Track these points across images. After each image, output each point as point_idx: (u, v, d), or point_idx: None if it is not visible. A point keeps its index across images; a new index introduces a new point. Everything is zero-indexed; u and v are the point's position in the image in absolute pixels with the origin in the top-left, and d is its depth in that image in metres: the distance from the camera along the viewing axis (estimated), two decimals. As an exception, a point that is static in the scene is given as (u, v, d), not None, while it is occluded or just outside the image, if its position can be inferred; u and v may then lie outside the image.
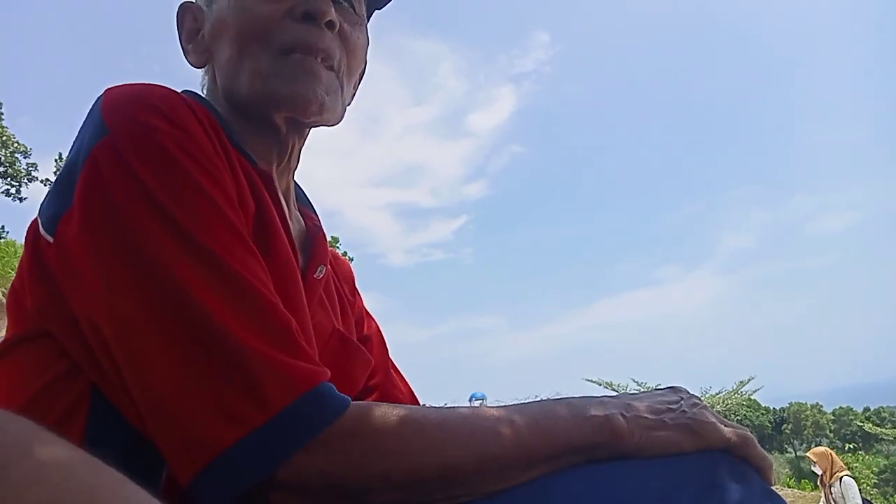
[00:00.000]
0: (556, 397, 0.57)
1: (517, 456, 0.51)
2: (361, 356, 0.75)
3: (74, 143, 0.57)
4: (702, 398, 0.59)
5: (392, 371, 0.86)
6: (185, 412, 0.47)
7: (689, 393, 0.58)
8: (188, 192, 0.52)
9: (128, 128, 0.54)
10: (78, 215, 0.52)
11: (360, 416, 0.49)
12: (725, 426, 0.55)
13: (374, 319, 0.89)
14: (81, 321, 0.52)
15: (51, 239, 0.55)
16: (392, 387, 0.83)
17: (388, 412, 0.51)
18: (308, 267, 0.70)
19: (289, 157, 0.73)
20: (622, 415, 0.53)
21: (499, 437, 0.51)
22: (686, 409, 0.55)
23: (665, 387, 0.60)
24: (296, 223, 0.73)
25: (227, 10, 0.68)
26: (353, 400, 0.51)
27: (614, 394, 0.58)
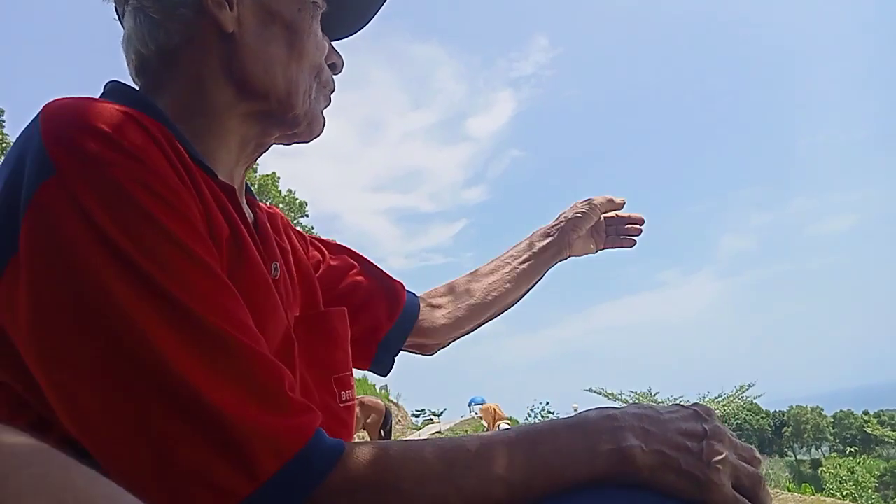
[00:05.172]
0: (569, 417, 0.54)
1: (524, 498, 0.49)
2: (335, 320, 0.74)
3: (11, 164, 0.50)
4: (701, 402, 0.57)
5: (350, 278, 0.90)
6: (167, 485, 0.44)
7: (713, 424, 0.53)
8: (152, 237, 0.47)
9: (77, 164, 0.48)
10: (26, 268, 0.46)
11: (356, 469, 0.48)
12: (737, 475, 0.51)
13: (336, 249, 0.94)
14: (41, 382, 0.47)
15: None
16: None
17: (386, 461, 0.48)
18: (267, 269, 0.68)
19: (257, 157, 0.75)
20: (642, 448, 0.49)
21: (507, 485, 0.49)
22: (704, 458, 0.50)
23: (691, 405, 0.56)
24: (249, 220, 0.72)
25: (292, 13, 0.69)
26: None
27: (630, 406, 0.54)
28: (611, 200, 1.11)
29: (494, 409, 6.28)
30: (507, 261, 1.04)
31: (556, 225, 1.06)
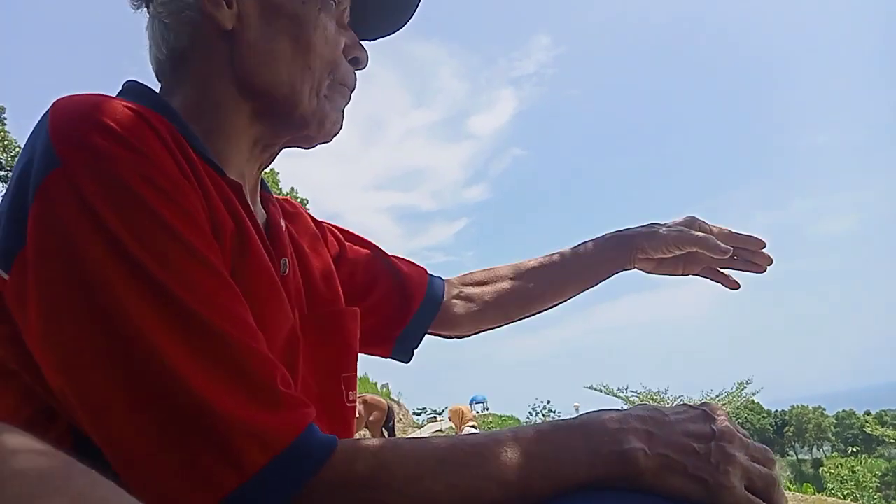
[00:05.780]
0: (572, 418, 0.53)
1: (521, 498, 0.48)
2: (345, 319, 0.74)
3: (22, 161, 0.52)
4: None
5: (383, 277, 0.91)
6: (160, 475, 0.45)
7: (722, 425, 0.51)
8: (152, 230, 0.48)
9: (82, 158, 0.49)
10: (32, 260, 0.47)
11: (348, 465, 0.48)
12: (749, 477, 0.50)
13: (353, 239, 0.93)
14: (46, 373, 0.48)
15: (6, 276, 0.50)
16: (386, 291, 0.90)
17: (380, 457, 0.48)
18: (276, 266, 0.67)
19: (270, 157, 0.74)
20: (645, 451, 0.48)
21: (503, 485, 0.48)
22: (713, 460, 0.49)
23: (700, 404, 0.54)
24: (260, 218, 0.71)
25: (295, 5, 0.67)
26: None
27: (635, 407, 0.53)
28: (732, 235, 0.92)
29: (462, 411, 6.19)
30: (557, 260, 0.97)
31: (625, 237, 0.94)
